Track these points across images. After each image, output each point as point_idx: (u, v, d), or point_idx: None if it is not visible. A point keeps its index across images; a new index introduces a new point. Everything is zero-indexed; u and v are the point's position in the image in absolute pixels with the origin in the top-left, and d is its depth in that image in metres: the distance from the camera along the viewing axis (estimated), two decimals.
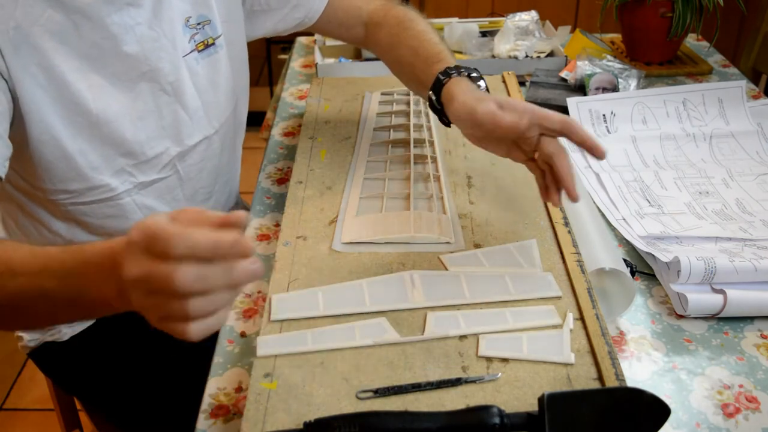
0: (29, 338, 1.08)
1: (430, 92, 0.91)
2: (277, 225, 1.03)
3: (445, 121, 0.92)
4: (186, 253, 0.51)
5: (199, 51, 0.97)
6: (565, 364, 0.70)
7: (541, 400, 0.63)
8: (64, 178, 0.90)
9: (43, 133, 0.85)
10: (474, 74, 0.91)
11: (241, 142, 1.15)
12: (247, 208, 1.22)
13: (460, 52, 1.48)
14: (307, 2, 1.08)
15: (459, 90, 0.87)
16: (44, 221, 0.96)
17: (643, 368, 0.80)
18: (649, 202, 1.05)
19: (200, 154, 1.02)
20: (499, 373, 0.69)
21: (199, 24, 0.97)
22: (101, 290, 0.59)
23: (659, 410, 0.64)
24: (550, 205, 0.91)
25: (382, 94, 1.23)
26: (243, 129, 1.14)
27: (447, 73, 0.90)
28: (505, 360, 0.71)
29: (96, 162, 0.90)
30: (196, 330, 0.54)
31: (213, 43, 0.99)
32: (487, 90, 0.90)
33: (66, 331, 1.06)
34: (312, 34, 1.60)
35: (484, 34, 1.52)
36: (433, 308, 0.77)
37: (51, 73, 0.83)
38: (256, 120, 1.59)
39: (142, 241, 0.52)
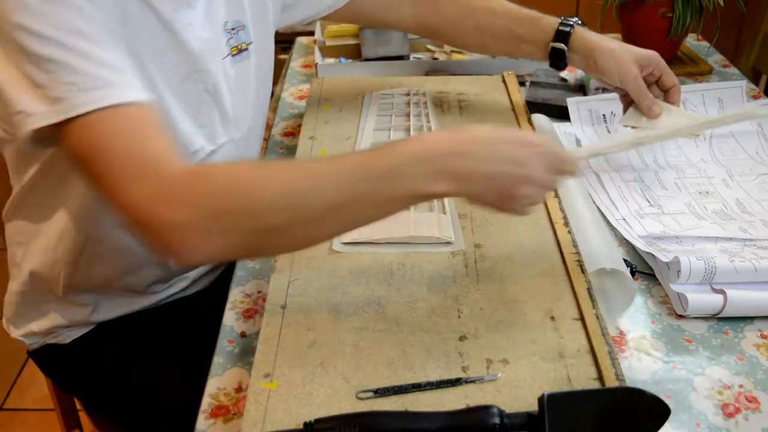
0: (30, 342, 1.08)
1: (553, 43, 1.07)
2: None
3: (562, 66, 1.09)
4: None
5: (233, 56, 0.97)
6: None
7: (541, 400, 0.63)
8: None
9: None
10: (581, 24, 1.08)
11: (257, 154, 1.13)
12: None
13: (461, 52, 1.48)
14: None
15: (596, 39, 1.07)
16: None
17: (643, 368, 0.80)
18: (649, 202, 1.05)
19: (222, 157, 1.00)
20: (499, 373, 0.69)
21: (234, 29, 0.97)
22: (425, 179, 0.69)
23: (659, 410, 0.64)
24: (550, 205, 0.91)
25: (382, 94, 1.23)
26: (260, 143, 1.13)
27: (565, 28, 1.07)
28: (505, 360, 0.71)
29: None
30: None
31: (246, 49, 0.99)
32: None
33: (68, 334, 1.06)
34: (312, 34, 1.59)
35: None
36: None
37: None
38: None
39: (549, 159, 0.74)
